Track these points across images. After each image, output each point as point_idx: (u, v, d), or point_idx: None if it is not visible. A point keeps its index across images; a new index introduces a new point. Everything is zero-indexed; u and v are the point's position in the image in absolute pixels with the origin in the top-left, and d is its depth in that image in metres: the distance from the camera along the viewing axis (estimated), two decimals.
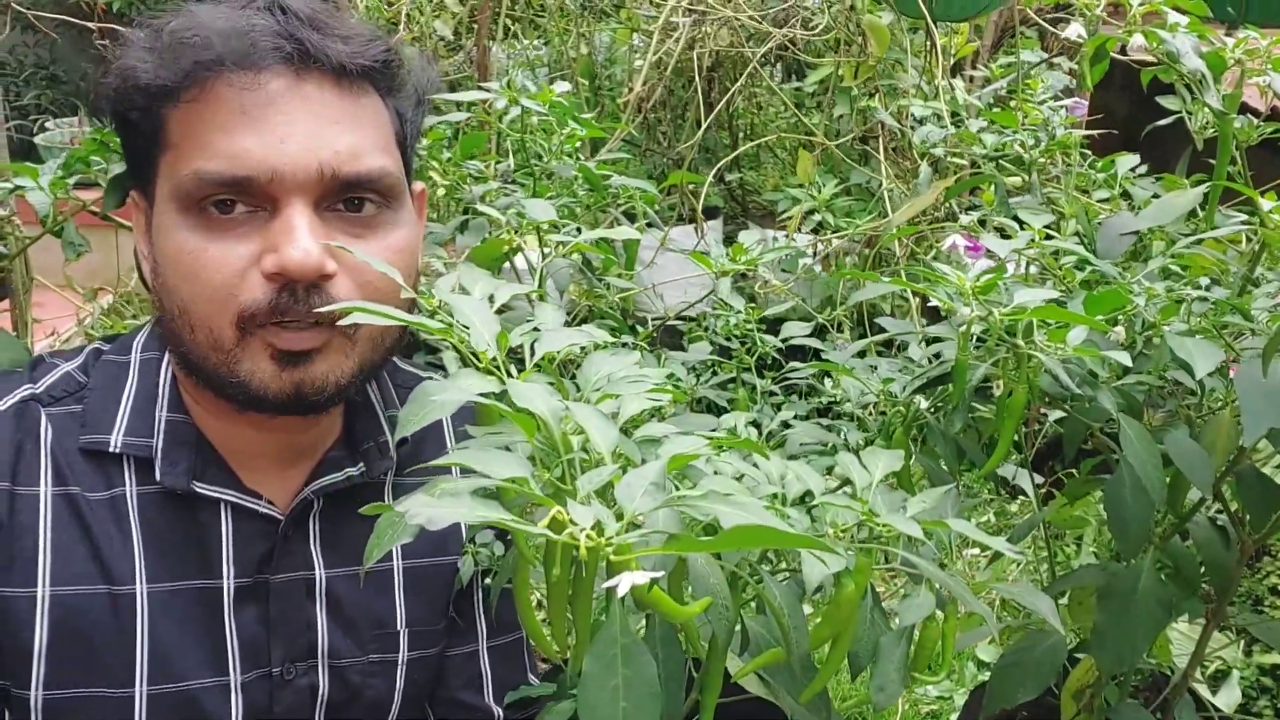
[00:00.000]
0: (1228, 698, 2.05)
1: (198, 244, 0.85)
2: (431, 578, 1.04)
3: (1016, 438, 1.11)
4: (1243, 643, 2.53)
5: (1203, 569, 1.16)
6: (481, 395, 0.58)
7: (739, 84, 3.48)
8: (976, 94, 1.49)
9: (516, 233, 1.00)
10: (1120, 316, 0.93)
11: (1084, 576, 1.23)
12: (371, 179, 0.88)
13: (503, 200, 1.17)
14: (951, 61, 1.95)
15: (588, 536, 0.48)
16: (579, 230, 1.03)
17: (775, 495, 0.75)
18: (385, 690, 1.02)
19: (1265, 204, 0.86)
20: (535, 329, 0.72)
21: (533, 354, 0.67)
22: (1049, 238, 0.98)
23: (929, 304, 0.99)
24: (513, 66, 4.20)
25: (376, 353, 0.91)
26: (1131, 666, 1.14)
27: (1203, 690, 2.14)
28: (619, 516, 0.50)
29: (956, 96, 1.35)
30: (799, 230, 3.21)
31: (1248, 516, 1.10)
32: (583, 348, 0.71)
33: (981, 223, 1.05)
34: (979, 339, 0.86)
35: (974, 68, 3.59)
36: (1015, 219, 0.99)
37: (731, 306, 1.25)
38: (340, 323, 0.76)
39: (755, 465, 0.78)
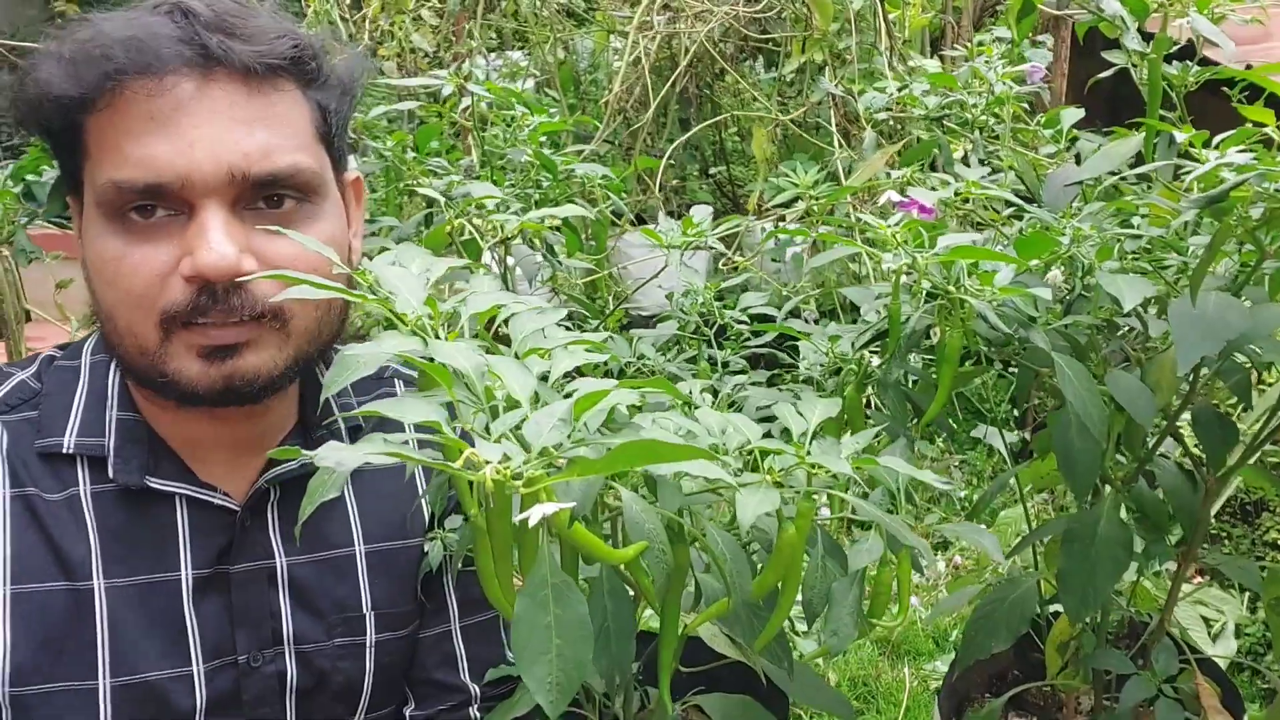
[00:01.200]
0: (1225, 648, 2.06)
1: (119, 250, 0.88)
2: (395, 560, 1.06)
3: (984, 397, 1.13)
4: (1246, 597, 2.54)
5: (1171, 515, 1.18)
6: (401, 353, 0.61)
7: (705, 75, 3.51)
8: (954, 72, 1.51)
9: (461, 214, 1.01)
10: (1059, 260, 0.94)
11: (1056, 526, 1.24)
12: (284, 176, 0.90)
13: (459, 191, 1.20)
14: (905, 32, 1.97)
15: (495, 470, 0.50)
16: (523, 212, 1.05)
17: (714, 446, 0.77)
18: (355, 673, 1.03)
19: (1179, 135, 0.87)
20: (468, 296, 0.74)
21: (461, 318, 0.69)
22: (985, 191, 1.00)
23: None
24: (499, 76, 4.23)
25: (312, 344, 0.93)
26: (1097, 609, 1.16)
27: (1202, 640, 2.15)
28: (528, 450, 0.52)
29: (914, 68, 1.37)
30: (782, 220, 3.23)
31: (1205, 454, 1.12)
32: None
33: (919, 177, 1.07)
34: (913, 289, 0.88)
35: (952, 47, 3.61)
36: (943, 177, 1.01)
37: (692, 283, 1.27)
38: (274, 299, 0.79)
39: (696, 420, 0.80)
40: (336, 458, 0.50)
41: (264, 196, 0.90)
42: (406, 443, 0.59)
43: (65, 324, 2.56)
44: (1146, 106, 1.02)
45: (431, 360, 0.61)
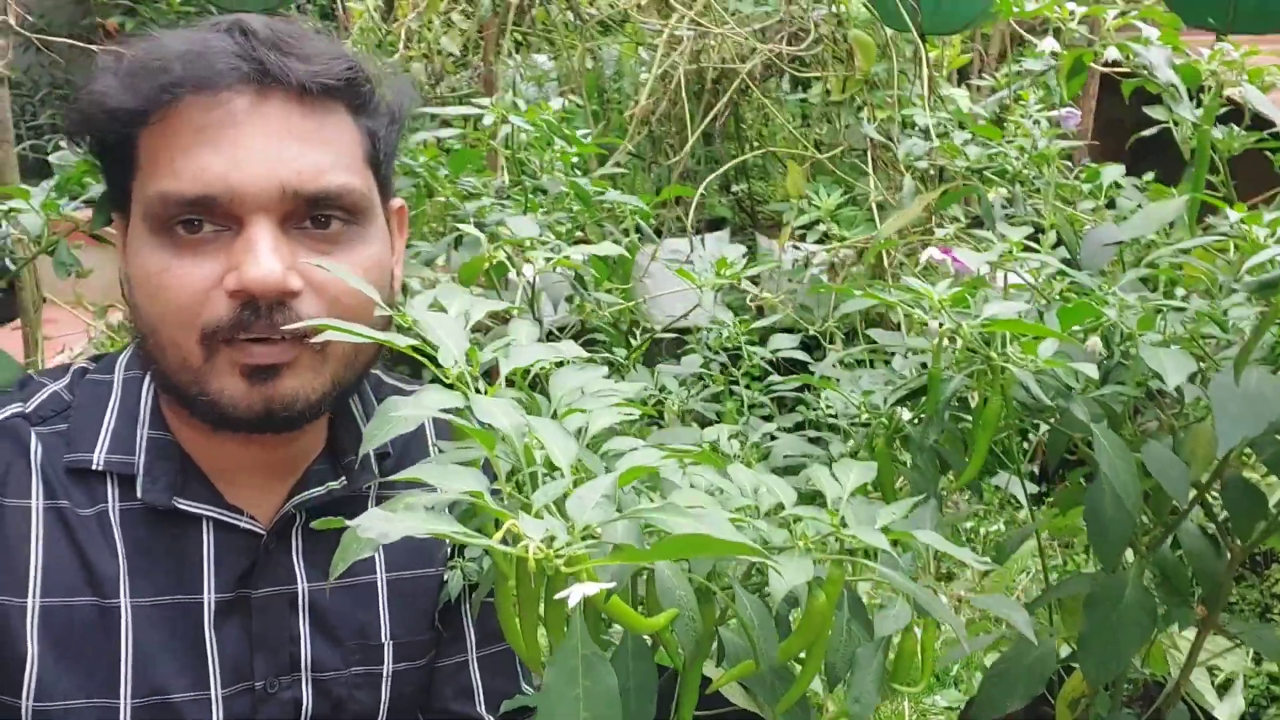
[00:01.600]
0: (1231, 707, 2.04)
1: (164, 263, 0.87)
2: (415, 590, 1.05)
3: (1006, 447, 1.12)
4: (1251, 651, 2.52)
5: (1193, 578, 1.16)
6: (444, 411, 0.60)
7: (734, 96, 3.50)
8: (982, 103, 1.50)
9: (498, 249, 1.01)
10: (1096, 328, 0.93)
11: (1073, 585, 1.23)
12: (335, 196, 0.90)
13: (493, 216, 1.19)
14: (945, 73, 1.96)
15: (537, 549, 0.50)
16: (564, 245, 1.04)
17: (747, 508, 0.76)
18: (370, 703, 1.02)
19: (1233, 214, 0.86)
20: (507, 345, 0.73)
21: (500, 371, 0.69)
22: (1028, 249, 0.99)
23: None
24: (522, 81, 4.22)
25: (350, 370, 0.93)
26: (1118, 676, 1.15)
27: (1209, 697, 2.13)
28: (571, 529, 0.51)
29: (958, 105, 1.36)
30: (802, 240, 3.22)
31: (1233, 523, 1.10)
32: (557, 363, 0.72)
33: (965, 235, 1.06)
34: (954, 354, 0.87)
35: (980, 76, 3.60)
36: (988, 236, 0.99)
37: (722, 320, 1.26)
38: (310, 340, 0.77)
39: (729, 478, 0.79)
40: (380, 529, 0.49)
41: (312, 216, 0.90)
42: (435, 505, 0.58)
43: (82, 311, 2.56)
44: (1196, 167, 1.01)
45: (470, 417, 0.61)
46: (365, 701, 1.02)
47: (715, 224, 4.17)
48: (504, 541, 0.51)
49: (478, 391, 0.65)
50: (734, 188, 4.23)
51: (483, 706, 1.11)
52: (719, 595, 0.72)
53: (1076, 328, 0.90)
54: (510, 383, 0.69)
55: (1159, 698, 1.31)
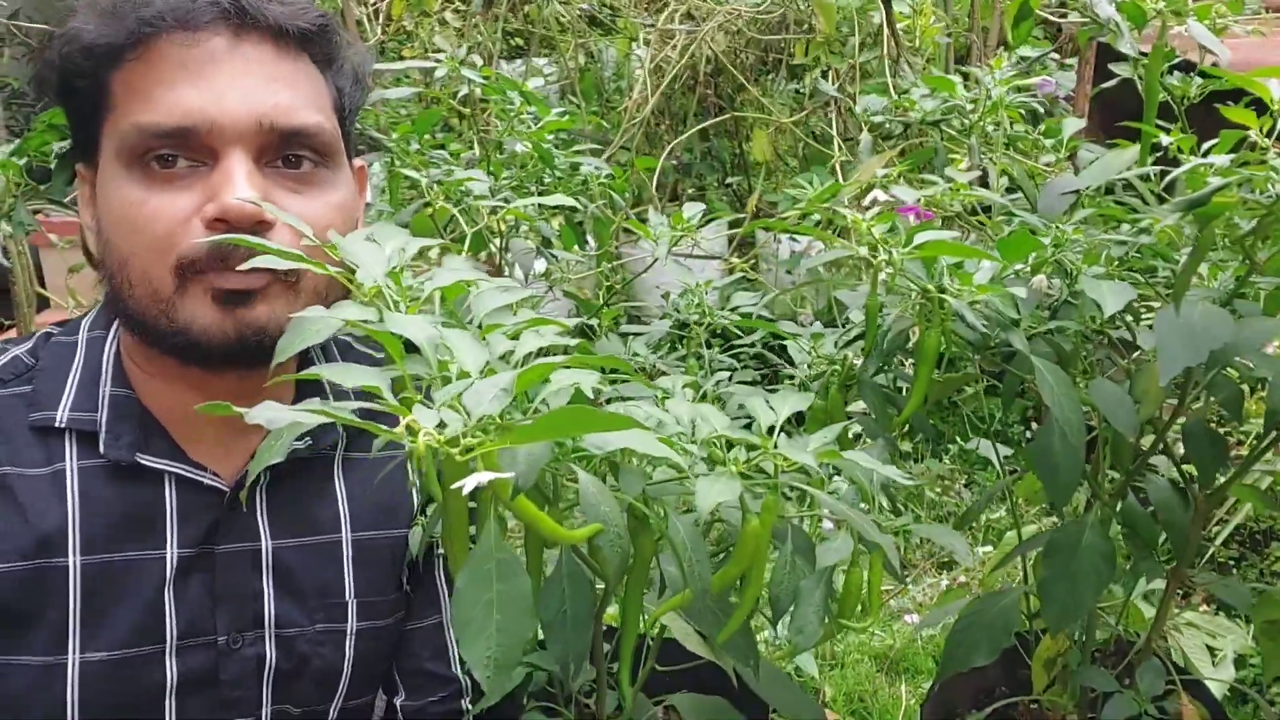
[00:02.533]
0: (1223, 673, 2.03)
1: (139, 196, 0.88)
2: (380, 549, 1.06)
3: (978, 408, 1.12)
4: (1252, 627, 2.50)
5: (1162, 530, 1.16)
6: (358, 322, 0.60)
7: (727, 89, 3.51)
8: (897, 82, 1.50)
9: (447, 201, 1.01)
10: (1045, 265, 0.93)
11: (1039, 542, 1.23)
12: (309, 133, 0.91)
13: (419, 173, 1.20)
14: (913, 47, 1.96)
15: (428, 435, 0.50)
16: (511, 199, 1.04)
17: (680, 434, 0.76)
18: (334, 660, 1.03)
19: (1165, 139, 0.86)
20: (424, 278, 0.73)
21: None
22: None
23: None
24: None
25: (319, 305, 0.93)
26: (1079, 621, 1.14)
27: (1204, 667, 2.12)
28: (466, 419, 0.52)
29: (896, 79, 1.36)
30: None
31: (1195, 471, 1.10)
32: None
33: (911, 179, 1.06)
34: (891, 287, 0.87)
35: (977, 65, 3.59)
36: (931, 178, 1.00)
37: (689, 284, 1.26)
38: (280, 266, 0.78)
39: (666, 410, 0.79)
40: (267, 416, 0.49)
41: (284, 156, 0.91)
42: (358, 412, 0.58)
43: (78, 309, 2.59)
44: (1146, 107, 1.01)
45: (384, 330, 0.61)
46: (329, 658, 1.02)
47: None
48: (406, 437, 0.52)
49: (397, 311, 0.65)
50: (730, 180, 4.24)
51: (457, 666, 1.12)
52: (653, 520, 0.72)
53: (1021, 265, 0.90)
54: (443, 311, 0.69)
55: (1130, 653, 1.31)
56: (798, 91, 3.84)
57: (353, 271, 0.69)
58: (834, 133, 2.08)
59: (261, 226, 0.88)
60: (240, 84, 0.89)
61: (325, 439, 1.03)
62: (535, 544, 0.67)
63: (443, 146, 1.38)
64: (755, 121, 2.80)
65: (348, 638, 1.03)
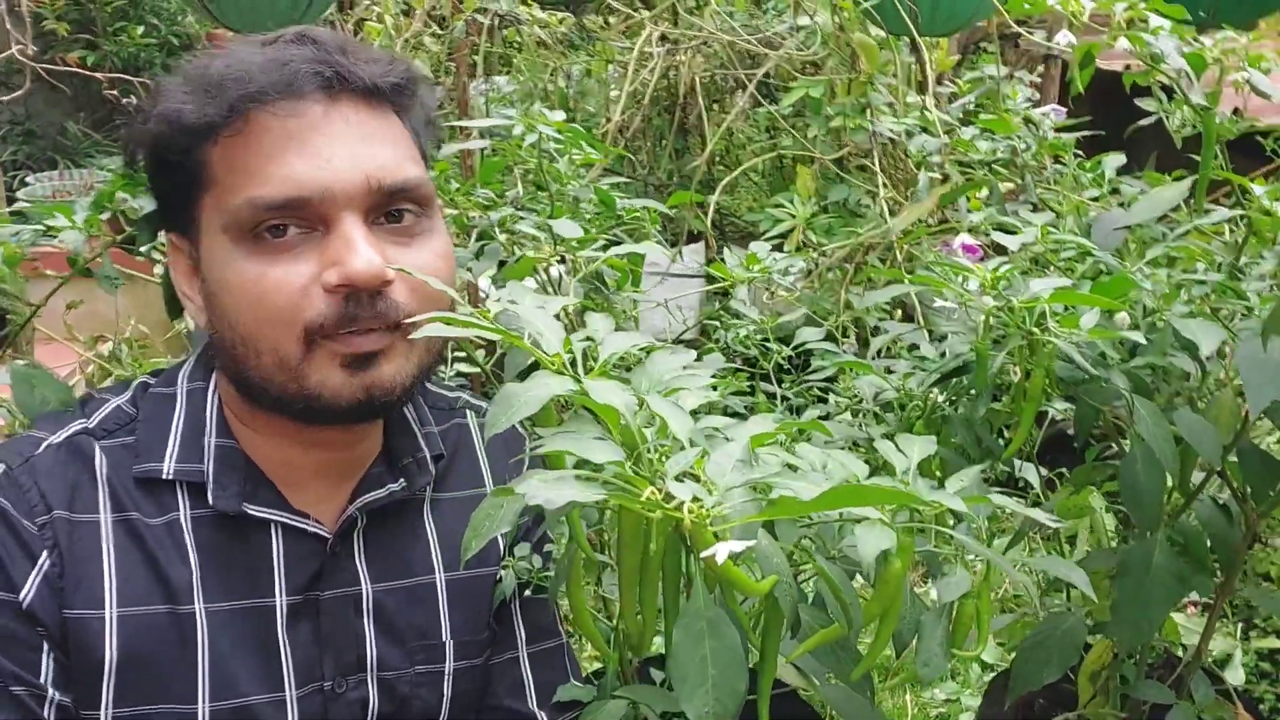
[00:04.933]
0: (1232, 678, 2.11)
1: (257, 270, 0.90)
2: (473, 588, 1.08)
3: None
4: (1240, 626, 2.59)
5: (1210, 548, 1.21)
6: (560, 392, 0.63)
7: (704, 111, 3.56)
8: (945, 110, 1.55)
9: (549, 249, 1.04)
10: (1125, 305, 0.98)
11: (1097, 560, 1.28)
12: (411, 187, 0.94)
13: (521, 224, 1.22)
14: (935, 75, 2.02)
15: (688, 510, 0.53)
16: (605, 248, 1.08)
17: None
18: (433, 701, 1.05)
19: (1257, 189, 0.92)
20: (588, 337, 0.76)
21: (593, 358, 0.72)
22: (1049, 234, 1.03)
23: (908, 314, 1.05)
24: (489, 103, 4.25)
25: (430, 355, 0.96)
26: (1148, 641, 1.19)
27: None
28: (710, 491, 0.55)
29: (927, 114, 1.42)
30: (777, 249, 3.27)
31: (1249, 491, 1.16)
32: (642, 350, 0.76)
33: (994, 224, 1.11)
34: (996, 331, 0.91)
35: (939, 84, 3.69)
36: (1012, 221, 1.04)
37: (744, 316, 1.30)
38: (403, 328, 0.80)
39: (798, 456, 0.83)
40: (545, 495, 0.52)
41: (388, 211, 0.93)
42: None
43: (74, 344, 2.55)
44: (1204, 148, 1.07)
45: (581, 395, 0.64)
46: (428, 699, 1.04)
47: (691, 237, 4.22)
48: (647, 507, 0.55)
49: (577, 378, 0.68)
50: (706, 201, 4.28)
51: (534, 702, 1.13)
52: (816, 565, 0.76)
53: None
54: (602, 371, 0.72)
55: (1178, 666, 1.36)
56: (770, 114, 3.90)
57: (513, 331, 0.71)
58: (877, 167, 2.13)
59: (384, 285, 0.90)
60: (344, 147, 0.91)
61: (420, 480, 1.05)
62: (733, 600, 0.70)
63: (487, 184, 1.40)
64: (797, 158, 2.85)
65: (446, 678, 1.05)
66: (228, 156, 0.90)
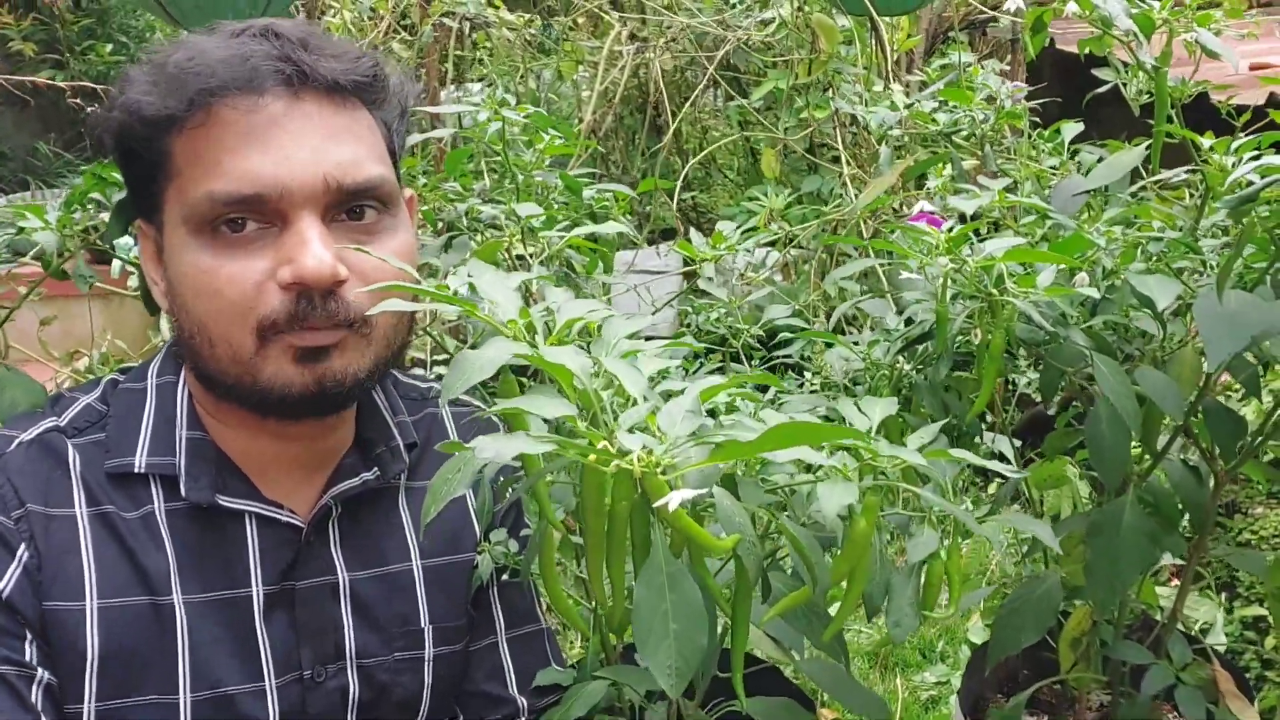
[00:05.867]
0: (1216, 639, 2.13)
1: (212, 262, 0.90)
2: (449, 575, 1.09)
3: (992, 402, 1.17)
4: (1224, 597, 2.61)
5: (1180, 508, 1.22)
6: (516, 356, 0.63)
7: (674, 108, 3.57)
8: (915, 98, 1.57)
9: (513, 234, 1.05)
10: (1083, 265, 0.99)
11: (1071, 524, 1.29)
12: (372, 186, 0.94)
13: (487, 211, 1.23)
14: (895, 55, 2.04)
15: (639, 459, 0.53)
16: (568, 229, 1.08)
17: None
18: (414, 687, 1.05)
19: (1206, 142, 0.93)
20: (546, 308, 0.77)
21: (551, 327, 0.72)
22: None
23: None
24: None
25: (389, 349, 0.97)
26: (1122, 600, 1.20)
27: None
28: (660, 441, 0.55)
29: (895, 99, 1.43)
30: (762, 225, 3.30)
31: (1218, 449, 1.17)
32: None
33: (952, 189, 1.11)
34: (955, 293, 0.92)
35: (909, 72, 3.71)
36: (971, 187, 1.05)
37: (714, 297, 1.30)
38: (369, 313, 0.81)
39: (762, 420, 0.83)
40: (495, 449, 0.52)
41: (349, 209, 0.93)
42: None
43: (51, 361, 2.55)
44: (1157, 110, 1.08)
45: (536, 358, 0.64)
46: (409, 686, 1.05)
47: (666, 233, 4.23)
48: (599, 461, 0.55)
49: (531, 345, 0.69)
50: (680, 197, 4.30)
51: (514, 687, 1.14)
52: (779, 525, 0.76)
53: (1061, 266, 0.96)
54: (560, 338, 0.73)
55: (1155, 628, 1.37)
56: (741, 107, 3.92)
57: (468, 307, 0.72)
58: (840, 145, 2.15)
59: (336, 284, 0.90)
60: (304, 145, 0.91)
61: (394, 469, 1.05)
62: (702, 567, 0.71)
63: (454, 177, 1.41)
64: (763, 140, 2.87)
65: (426, 664, 1.06)
66: (190, 149, 0.91)
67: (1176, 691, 1.25)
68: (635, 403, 0.61)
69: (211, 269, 0.90)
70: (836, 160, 3.34)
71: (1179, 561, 1.35)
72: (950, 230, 0.87)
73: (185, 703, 0.93)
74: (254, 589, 0.97)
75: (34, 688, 0.89)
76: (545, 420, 0.62)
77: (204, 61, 0.90)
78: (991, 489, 3.41)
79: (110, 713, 0.91)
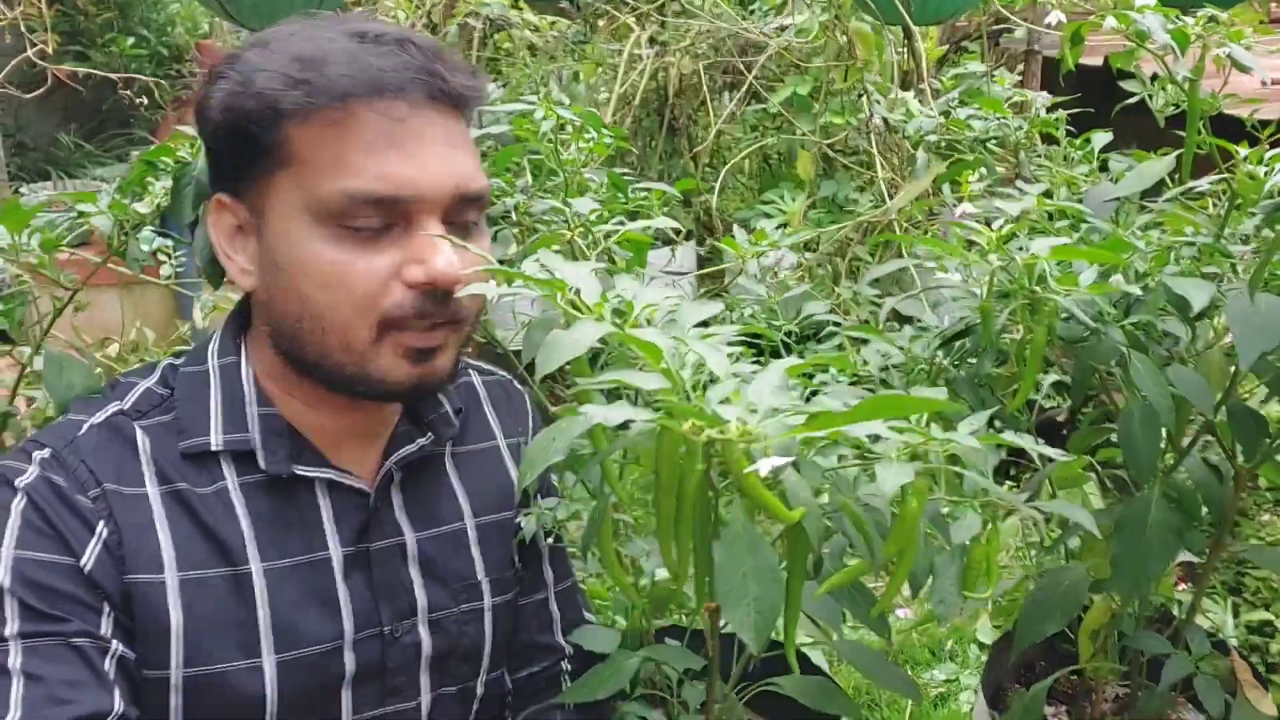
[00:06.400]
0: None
1: (340, 256, 0.94)
2: (497, 531, 1.17)
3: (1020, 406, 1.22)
4: (1230, 602, 2.66)
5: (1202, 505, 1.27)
6: (601, 339, 0.68)
7: (691, 113, 3.61)
8: (947, 105, 1.62)
9: (573, 227, 1.09)
10: (1122, 265, 1.03)
11: (1099, 518, 1.33)
12: (483, 195, 1.01)
13: (538, 205, 1.27)
14: (924, 64, 2.09)
15: (735, 428, 0.58)
16: (621, 224, 1.13)
17: None
18: (477, 638, 1.12)
19: (1241, 151, 0.97)
20: (618, 295, 0.81)
21: (625, 312, 0.77)
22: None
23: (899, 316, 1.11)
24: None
25: (466, 342, 1.02)
26: (1146, 592, 1.24)
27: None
28: (751, 412, 0.60)
29: (923, 96, 1.48)
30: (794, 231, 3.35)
31: (1239, 447, 1.21)
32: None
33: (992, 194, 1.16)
34: (997, 291, 0.97)
35: (921, 82, 3.77)
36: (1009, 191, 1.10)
37: (751, 293, 1.35)
38: (461, 324, 0.89)
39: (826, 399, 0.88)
40: (604, 414, 0.57)
41: (457, 214, 0.99)
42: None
43: (87, 349, 2.60)
44: (1189, 121, 1.13)
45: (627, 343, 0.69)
46: (473, 637, 1.12)
47: (668, 241, 4.27)
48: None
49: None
50: (694, 201, 4.35)
51: (559, 635, 1.25)
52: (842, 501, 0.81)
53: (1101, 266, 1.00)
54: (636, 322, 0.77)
55: (1174, 621, 1.42)
56: (760, 110, 3.97)
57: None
58: (874, 150, 2.20)
59: (456, 286, 0.96)
60: (434, 152, 0.96)
61: (446, 433, 1.11)
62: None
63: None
64: (799, 142, 2.92)
65: (486, 614, 1.13)
66: (317, 141, 0.94)
67: (1195, 681, 1.29)
68: (717, 380, 0.66)
69: (341, 262, 0.94)
70: (857, 165, 3.40)
71: (1189, 559, 1.40)
72: (996, 225, 0.92)
73: (269, 664, 0.97)
74: (333, 551, 1.02)
75: (108, 660, 0.92)
76: (626, 396, 0.67)
77: (351, 60, 0.93)
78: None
79: (196, 678, 0.95)
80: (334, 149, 0.93)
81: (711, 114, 3.69)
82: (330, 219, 0.94)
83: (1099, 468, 1.42)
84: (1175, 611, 1.49)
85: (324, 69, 0.93)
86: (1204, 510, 1.27)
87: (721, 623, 0.73)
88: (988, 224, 1.12)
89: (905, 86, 3.67)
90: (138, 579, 0.95)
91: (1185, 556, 1.50)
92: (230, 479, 1.00)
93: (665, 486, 0.75)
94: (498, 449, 1.21)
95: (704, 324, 0.80)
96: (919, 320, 1.23)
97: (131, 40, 4.98)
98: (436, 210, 0.96)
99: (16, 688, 0.87)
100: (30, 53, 1.63)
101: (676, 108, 3.84)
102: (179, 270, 2.52)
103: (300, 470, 1.01)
